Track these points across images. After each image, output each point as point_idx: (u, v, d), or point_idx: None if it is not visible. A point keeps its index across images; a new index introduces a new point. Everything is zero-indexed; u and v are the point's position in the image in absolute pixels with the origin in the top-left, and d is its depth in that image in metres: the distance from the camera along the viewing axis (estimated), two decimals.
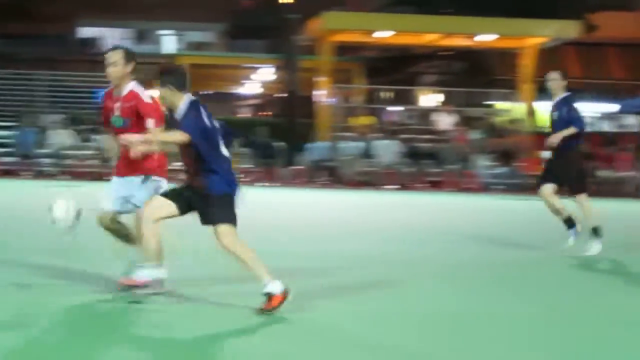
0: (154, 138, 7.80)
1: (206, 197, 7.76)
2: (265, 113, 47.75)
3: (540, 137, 21.38)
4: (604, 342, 7.06)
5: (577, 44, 38.08)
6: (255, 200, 21.95)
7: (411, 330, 7.18)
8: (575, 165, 11.95)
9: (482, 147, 30.30)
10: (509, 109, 35.61)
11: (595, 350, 6.80)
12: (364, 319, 7.57)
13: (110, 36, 50.74)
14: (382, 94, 41.86)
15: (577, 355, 6.66)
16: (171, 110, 7.99)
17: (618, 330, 7.53)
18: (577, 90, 16.53)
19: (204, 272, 8.79)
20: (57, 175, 28.75)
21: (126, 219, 8.43)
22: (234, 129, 20.40)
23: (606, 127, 38.32)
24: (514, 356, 6.52)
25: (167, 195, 7.93)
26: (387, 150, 29.75)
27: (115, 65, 8.36)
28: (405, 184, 28.95)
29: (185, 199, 7.85)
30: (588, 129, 12.97)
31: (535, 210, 12.05)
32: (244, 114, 50.93)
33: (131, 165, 8.20)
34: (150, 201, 7.88)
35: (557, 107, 11.95)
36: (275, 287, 7.58)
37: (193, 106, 7.84)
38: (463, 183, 29.22)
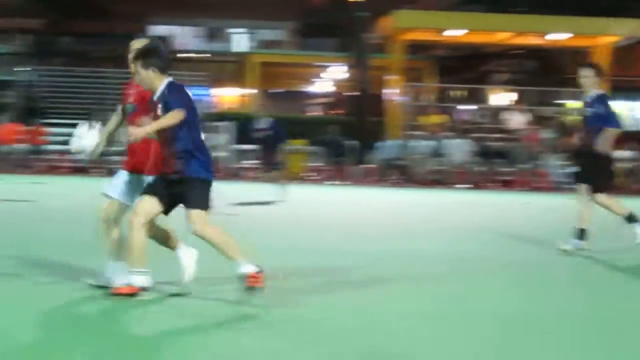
0: (154, 127, 7.52)
1: (183, 181, 7.63)
2: (336, 111, 47.84)
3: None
4: None
5: None
6: (326, 199, 22.07)
7: (475, 330, 7.14)
8: (605, 164, 11.69)
9: (553, 146, 30.09)
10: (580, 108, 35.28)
11: None
12: (424, 318, 7.49)
13: (181, 34, 51.14)
14: (453, 93, 41.76)
15: None
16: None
17: None
18: None
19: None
20: None
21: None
22: (282, 128, 20.70)
23: None
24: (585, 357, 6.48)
25: (151, 193, 7.69)
26: (459, 149, 29.69)
27: None
28: (477, 183, 28.90)
29: (168, 196, 7.66)
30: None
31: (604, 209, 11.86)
32: (315, 112, 51.07)
33: (143, 163, 8.04)
34: (139, 205, 7.70)
35: (591, 103, 11.66)
36: (249, 267, 7.55)
37: (175, 86, 7.75)
38: (534, 182, 29.09)
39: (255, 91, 43.46)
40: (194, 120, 7.67)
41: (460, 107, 38.99)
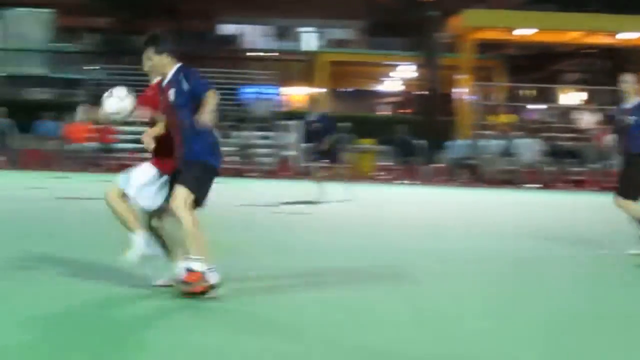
0: (207, 115, 7.24)
1: (184, 165, 7.52)
2: (405, 110, 47.84)
3: None
4: None
5: None
6: (395, 198, 22.06)
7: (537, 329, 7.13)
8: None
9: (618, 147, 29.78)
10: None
11: None
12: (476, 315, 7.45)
13: (250, 33, 51.48)
14: (523, 92, 41.58)
15: None
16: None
17: None
18: None
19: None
20: None
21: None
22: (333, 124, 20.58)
23: None
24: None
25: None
26: (529, 148, 29.57)
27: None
28: (547, 183, 28.76)
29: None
30: None
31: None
32: (384, 111, 51.11)
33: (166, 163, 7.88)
34: (180, 195, 7.40)
35: (633, 111, 11.47)
36: (197, 266, 7.24)
37: (191, 69, 7.57)
38: (605, 182, 28.85)
39: (323, 90, 43.60)
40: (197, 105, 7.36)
41: (530, 106, 38.82)
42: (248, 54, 50.65)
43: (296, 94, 46.42)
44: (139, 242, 7.72)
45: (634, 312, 7.92)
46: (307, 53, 48.37)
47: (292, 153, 30.84)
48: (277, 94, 39.11)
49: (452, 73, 36.41)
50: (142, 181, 7.83)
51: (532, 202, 23.16)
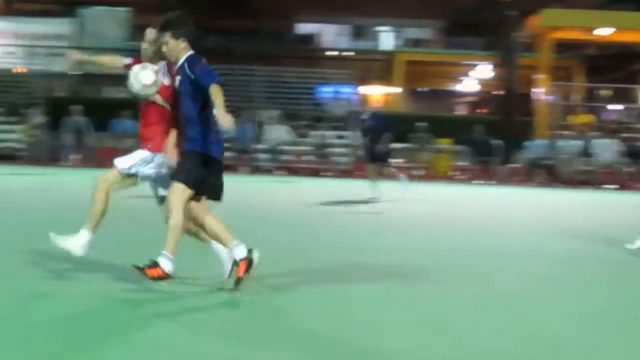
0: (227, 117, 7.15)
1: (184, 155, 7.49)
2: (482, 110, 47.75)
3: None
4: None
5: None
6: (471, 197, 22.02)
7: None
8: None
9: None
10: None
11: None
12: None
13: (327, 32, 51.66)
14: (601, 92, 41.28)
15: None
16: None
17: None
18: None
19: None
20: (274, 170, 29.83)
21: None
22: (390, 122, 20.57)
23: None
24: None
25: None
26: (607, 149, 29.36)
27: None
28: (625, 184, 28.58)
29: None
30: None
31: None
32: (461, 111, 51.05)
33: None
34: (175, 190, 7.39)
35: None
36: (167, 264, 7.24)
37: (200, 59, 7.51)
38: None
39: (400, 89, 43.73)
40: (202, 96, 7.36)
41: (609, 106, 38.54)
42: (325, 53, 50.86)
43: (373, 94, 46.55)
44: (84, 240, 7.79)
45: None
46: (384, 52, 48.50)
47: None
48: (354, 94, 39.24)
49: (529, 73, 36.31)
50: (139, 159, 7.88)
51: (610, 203, 23.04)
